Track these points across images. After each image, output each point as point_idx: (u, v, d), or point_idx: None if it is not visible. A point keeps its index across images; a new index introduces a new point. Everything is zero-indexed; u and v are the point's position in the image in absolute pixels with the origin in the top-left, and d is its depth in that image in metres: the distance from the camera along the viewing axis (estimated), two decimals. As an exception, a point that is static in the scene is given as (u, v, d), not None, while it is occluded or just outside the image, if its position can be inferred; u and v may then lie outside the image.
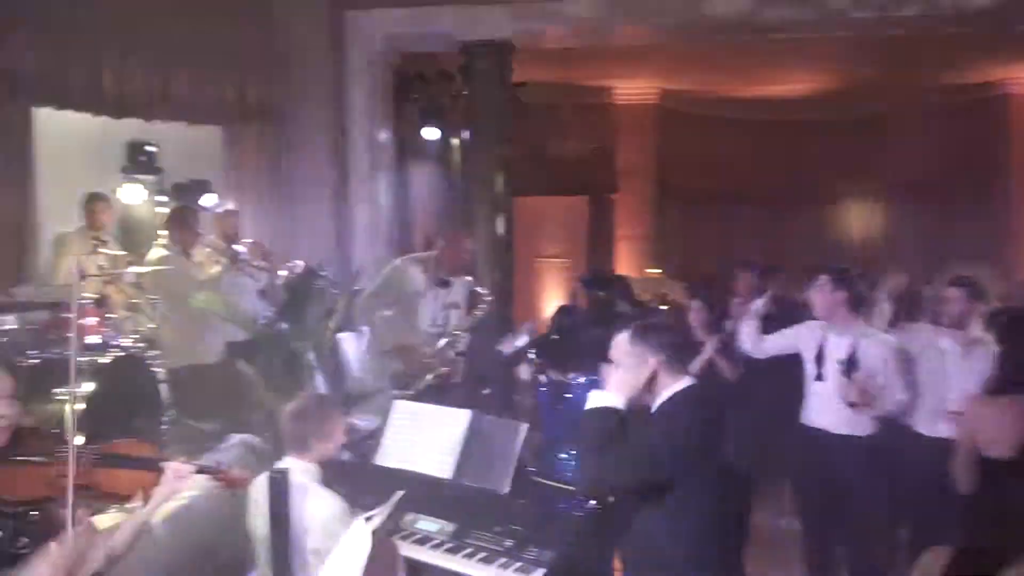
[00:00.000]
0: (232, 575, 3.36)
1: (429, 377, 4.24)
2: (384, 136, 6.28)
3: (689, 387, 2.27)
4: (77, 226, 4.86)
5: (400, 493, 1.64)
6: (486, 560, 2.73)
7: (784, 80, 9.81)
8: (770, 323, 4.03)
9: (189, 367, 4.36)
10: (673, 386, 2.25)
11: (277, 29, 5.83)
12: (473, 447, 3.02)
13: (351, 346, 5.06)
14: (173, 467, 1.88)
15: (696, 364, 4.45)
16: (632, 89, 10.61)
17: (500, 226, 6.18)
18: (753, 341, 3.94)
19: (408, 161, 7.21)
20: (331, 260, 5.39)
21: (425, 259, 4.67)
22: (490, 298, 4.68)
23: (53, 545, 1.69)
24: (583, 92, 9.97)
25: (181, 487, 1.90)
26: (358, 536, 1.45)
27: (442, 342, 4.36)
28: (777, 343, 3.92)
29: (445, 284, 4.57)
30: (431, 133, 7.07)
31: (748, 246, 11.03)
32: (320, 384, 3.92)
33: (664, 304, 7.34)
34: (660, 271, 10.16)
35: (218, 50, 5.59)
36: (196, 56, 5.49)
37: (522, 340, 4.52)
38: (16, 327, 3.08)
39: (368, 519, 1.50)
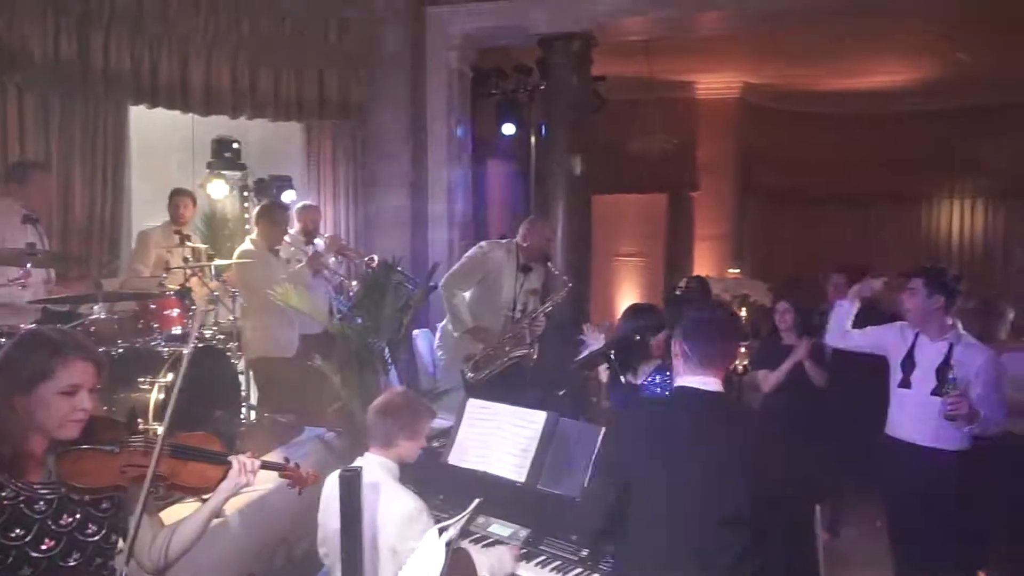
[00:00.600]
0: (306, 569, 3.39)
1: (507, 360, 4.22)
2: (461, 132, 6.24)
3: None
4: (163, 221, 5.01)
5: (477, 501, 1.54)
6: (561, 569, 2.63)
7: (877, 71, 9.25)
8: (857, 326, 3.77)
9: (267, 360, 4.42)
10: None
11: (358, 26, 5.87)
12: (549, 450, 2.91)
13: (425, 342, 5.05)
14: (241, 461, 1.85)
15: (784, 368, 4.24)
16: (714, 83, 10.28)
17: (578, 223, 6.04)
18: (839, 330, 3.67)
19: (485, 157, 7.16)
20: (407, 255, 5.40)
21: (507, 244, 4.64)
22: (570, 285, 4.63)
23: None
24: (664, 87, 9.69)
25: (247, 482, 1.86)
26: (433, 549, 1.36)
27: (522, 325, 4.36)
28: (864, 338, 3.63)
29: (527, 270, 4.56)
30: (508, 129, 6.99)
31: (834, 247, 10.55)
32: (394, 379, 3.91)
33: (745, 306, 7.06)
34: (739, 272, 9.82)
35: (300, 48, 5.68)
36: (279, 54, 5.60)
37: (598, 341, 4.38)
38: (103, 317, 3.16)
39: (442, 530, 1.41)
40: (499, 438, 3.03)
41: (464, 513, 1.44)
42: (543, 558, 2.66)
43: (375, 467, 2.46)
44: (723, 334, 2.17)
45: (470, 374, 4.24)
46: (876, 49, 8.17)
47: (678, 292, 5.55)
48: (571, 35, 5.97)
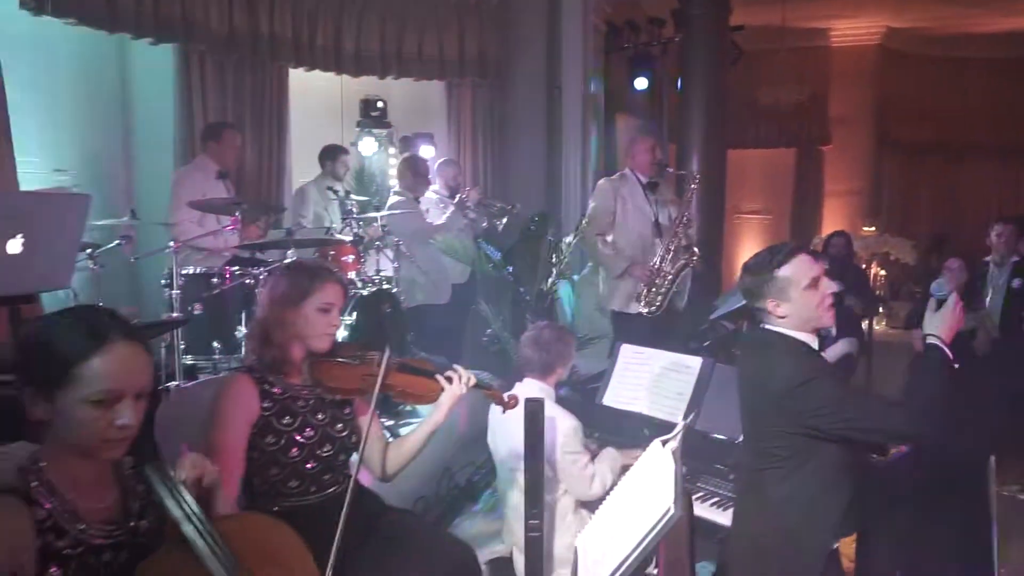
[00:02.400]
0: (467, 494, 3.70)
1: (675, 278, 4.21)
2: (594, 87, 6.29)
3: None
4: (315, 175, 5.38)
5: (692, 416, 1.70)
6: (719, 504, 2.76)
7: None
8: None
9: (423, 307, 4.74)
10: None
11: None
12: (704, 393, 3.02)
13: (563, 293, 5.23)
14: (458, 372, 2.10)
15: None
16: (853, 29, 9.72)
17: (712, 180, 5.99)
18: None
19: (615, 112, 7.17)
20: (543, 209, 5.55)
21: (621, 173, 4.53)
22: (694, 185, 4.47)
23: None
24: (797, 35, 9.28)
25: (463, 392, 2.12)
26: (658, 456, 1.53)
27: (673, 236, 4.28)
28: None
29: (653, 186, 4.43)
30: (641, 83, 6.97)
31: (978, 203, 9.88)
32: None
33: (884, 265, 6.80)
34: (874, 229, 9.40)
35: (443, 9, 5.88)
36: (423, 15, 5.83)
37: (740, 299, 4.39)
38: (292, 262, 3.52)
39: (664, 442, 1.57)
40: (653, 381, 3.15)
41: (679, 428, 1.60)
42: (701, 494, 2.80)
43: (536, 392, 2.68)
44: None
45: (646, 311, 4.21)
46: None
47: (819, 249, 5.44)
48: (710, -16, 5.87)
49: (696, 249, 4.28)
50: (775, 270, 2.05)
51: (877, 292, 6.27)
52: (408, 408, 3.63)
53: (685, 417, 2.94)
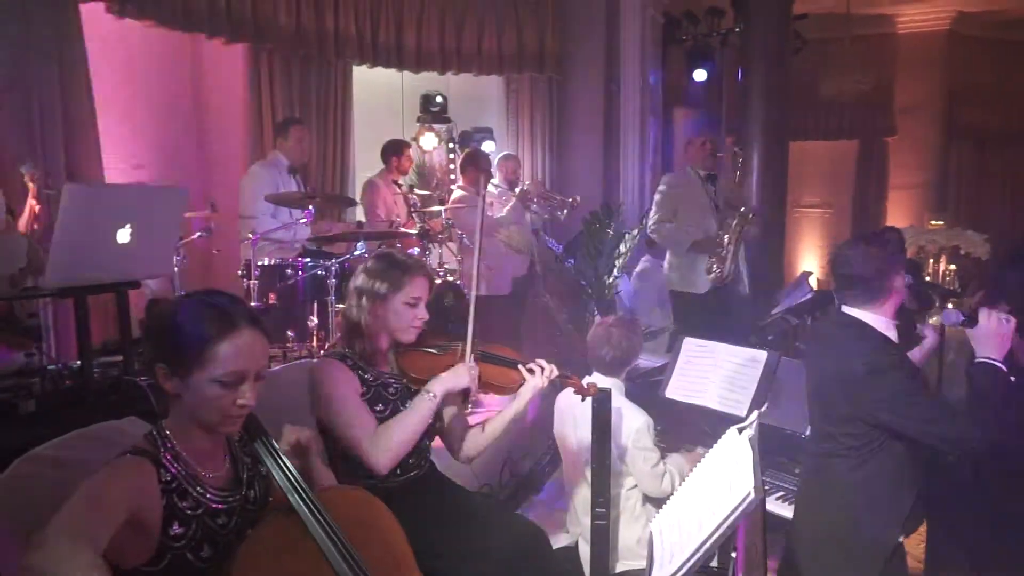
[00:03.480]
0: (529, 483, 3.75)
1: (737, 240, 4.39)
2: (653, 79, 6.26)
3: None
4: (379, 170, 5.49)
5: (764, 407, 1.71)
6: (784, 499, 2.75)
7: None
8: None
9: (485, 298, 4.80)
10: None
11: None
12: (769, 386, 3.00)
13: (631, 284, 5.24)
14: (540, 364, 2.14)
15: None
16: (922, 15, 9.38)
17: (774, 173, 5.90)
18: None
19: (673, 104, 7.12)
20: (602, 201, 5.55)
21: (680, 170, 4.75)
22: (738, 154, 4.81)
23: None
24: (861, 22, 9.01)
25: (544, 384, 2.15)
26: (735, 444, 1.55)
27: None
28: None
29: (712, 179, 4.64)
30: (700, 75, 6.90)
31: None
32: (598, 318, 4.15)
33: (955, 259, 6.57)
34: (943, 223, 9.08)
35: (501, 3, 5.94)
36: (482, 10, 5.89)
37: (804, 292, 4.33)
38: (364, 253, 3.63)
39: (740, 430, 1.59)
40: (717, 374, 3.14)
41: (753, 417, 1.62)
42: (766, 487, 2.80)
43: (606, 385, 2.71)
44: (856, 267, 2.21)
45: (716, 275, 4.41)
46: None
47: None
48: (773, -28, 5.76)
49: (746, 209, 4.45)
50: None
51: (952, 287, 6.05)
52: (473, 397, 3.70)
53: (750, 410, 2.96)
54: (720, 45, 6.91)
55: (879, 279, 2.08)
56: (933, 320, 4.33)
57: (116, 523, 1.17)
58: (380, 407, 2.06)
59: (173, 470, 1.33)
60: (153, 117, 5.20)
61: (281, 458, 1.38)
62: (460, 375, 2.05)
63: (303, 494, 1.33)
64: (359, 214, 5.42)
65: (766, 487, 2.77)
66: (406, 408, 2.07)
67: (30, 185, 2.42)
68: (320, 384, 2.01)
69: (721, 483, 1.52)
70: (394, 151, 5.35)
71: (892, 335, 2.12)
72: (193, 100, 5.61)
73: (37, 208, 2.36)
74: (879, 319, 2.11)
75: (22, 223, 2.43)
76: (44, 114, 3.67)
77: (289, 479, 1.34)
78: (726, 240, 4.37)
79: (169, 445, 1.35)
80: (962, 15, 9.35)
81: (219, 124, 5.56)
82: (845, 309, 2.17)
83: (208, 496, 1.36)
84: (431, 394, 2.01)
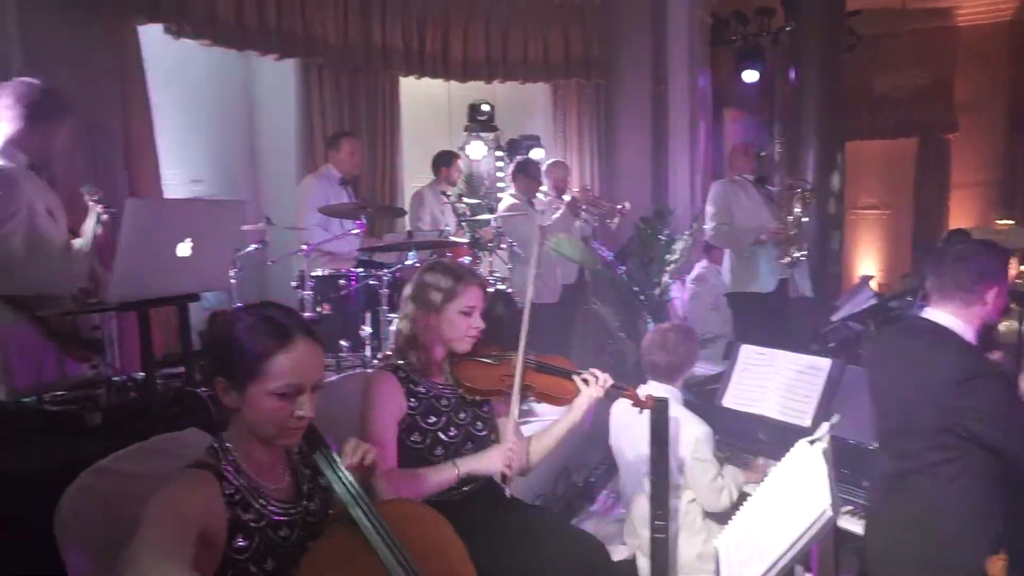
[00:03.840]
0: (585, 495, 3.70)
1: (799, 223, 4.34)
2: (702, 82, 6.15)
3: None
4: (429, 180, 5.53)
5: (836, 418, 1.64)
6: (852, 513, 2.63)
7: None
8: None
9: (534, 306, 4.76)
10: None
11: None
12: (833, 395, 2.89)
13: (686, 290, 5.15)
14: (594, 374, 2.09)
15: None
16: (982, 6, 9.02)
17: (830, 174, 5.74)
18: None
19: (722, 105, 6.99)
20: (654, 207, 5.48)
21: (730, 177, 4.64)
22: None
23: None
24: (917, 16, 8.72)
25: (599, 394, 2.10)
26: (807, 457, 1.48)
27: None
28: None
29: (763, 181, 4.59)
30: (750, 75, 6.76)
31: None
32: (651, 326, 4.07)
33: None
34: (1012, 222, 8.69)
35: (546, 10, 5.92)
36: (527, 18, 5.88)
37: (866, 298, 4.18)
38: (415, 263, 3.64)
39: (811, 443, 1.52)
40: (777, 383, 3.04)
41: (825, 428, 1.54)
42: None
43: (660, 394, 2.64)
44: (954, 266, 2.06)
45: (787, 260, 4.36)
46: None
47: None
48: (825, -32, 5.62)
49: (796, 184, 4.41)
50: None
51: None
52: (525, 407, 3.67)
53: (815, 420, 2.85)
54: (771, 44, 6.77)
55: (980, 285, 1.97)
56: (1005, 326, 4.11)
57: (192, 538, 1.18)
58: (432, 419, 2.04)
59: (236, 483, 1.33)
60: (208, 133, 5.34)
61: (341, 470, 1.37)
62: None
63: (364, 507, 1.31)
64: (409, 224, 5.47)
65: (833, 500, 2.70)
66: (460, 419, 2.06)
67: (91, 205, 2.49)
68: (365, 395, 2.01)
69: (793, 499, 1.45)
70: (444, 162, 5.40)
71: (974, 343, 2.01)
72: (246, 115, 5.74)
73: (99, 231, 2.43)
74: (966, 327, 2.00)
75: (82, 242, 2.50)
76: (105, 134, 3.79)
77: (350, 491, 1.33)
78: (791, 220, 4.33)
79: (231, 458, 1.35)
80: (1025, 4, 8.98)
81: (271, 138, 5.67)
82: (929, 313, 2.06)
83: (270, 508, 1.36)
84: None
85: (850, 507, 2.65)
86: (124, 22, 3.96)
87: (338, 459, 1.39)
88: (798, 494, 1.45)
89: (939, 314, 2.03)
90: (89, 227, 2.43)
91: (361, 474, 1.40)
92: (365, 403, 2.00)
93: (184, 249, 1.86)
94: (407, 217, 5.32)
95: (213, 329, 1.33)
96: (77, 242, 2.44)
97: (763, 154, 4.75)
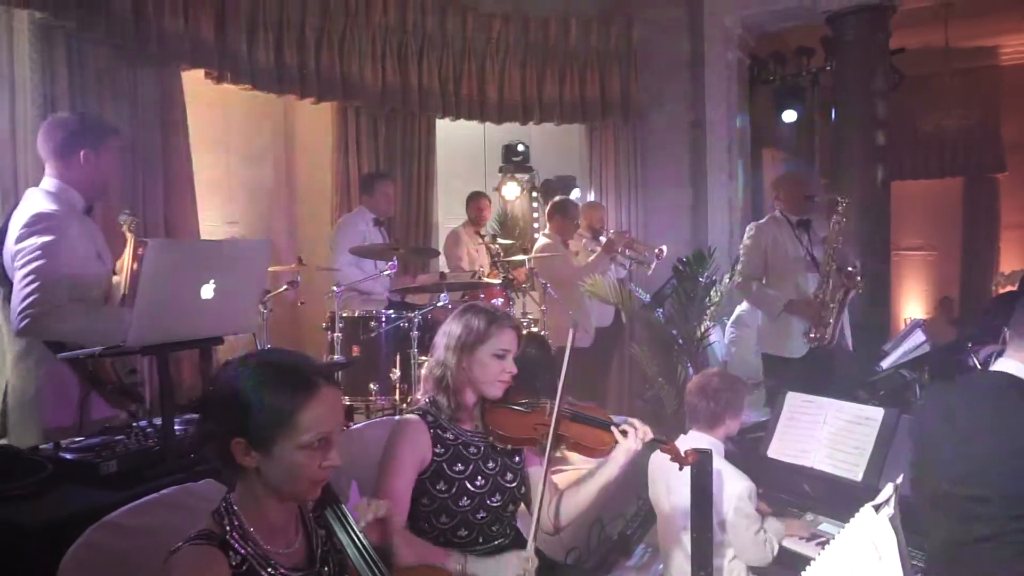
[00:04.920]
0: (619, 548, 3.52)
1: (839, 305, 3.85)
2: (740, 122, 6.06)
3: None
4: (463, 221, 5.52)
5: (901, 478, 1.48)
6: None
7: None
8: None
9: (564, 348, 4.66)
10: None
11: (639, 25, 5.97)
12: (888, 447, 2.72)
13: (722, 336, 4.99)
14: (636, 425, 1.98)
15: None
16: (1028, 44, 8.86)
17: (874, 217, 5.53)
18: None
19: (762, 146, 6.89)
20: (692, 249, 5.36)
21: (770, 216, 4.24)
22: (845, 201, 4.05)
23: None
24: (961, 55, 8.57)
25: (638, 447, 1.98)
26: (872, 524, 1.34)
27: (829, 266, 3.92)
28: None
29: (804, 224, 4.09)
30: (789, 116, 6.66)
31: None
32: (690, 371, 3.92)
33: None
34: (1066, 264, 8.36)
35: (582, 51, 5.92)
36: (563, 60, 5.90)
37: (917, 343, 3.96)
38: (447, 304, 3.58)
39: (877, 508, 1.38)
40: (826, 433, 2.90)
41: (890, 490, 1.40)
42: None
43: (703, 446, 2.50)
44: None
45: (814, 341, 3.90)
46: None
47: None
48: (865, 6, 5.51)
49: (853, 269, 3.87)
50: None
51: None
52: (559, 454, 3.55)
53: (868, 473, 2.68)
54: (811, 84, 6.67)
55: None
56: None
57: None
58: (460, 467, 1.95)
59: (243, 551, 1.23)
60: (246, 174, 5.41)
61: (354, 530, 1.27)
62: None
63: (377, 573, 1.21)
64: (443, 265, 5.45)
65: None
66: (488, 468, 1.97)
67: (128, 235, 2.44)
68: (389, 440, 1.94)
69: (858, 573, 1.30)
70: (472, 200, 5.39)
71: None
72: (284, 157, 5.82)
73: (135, 266, 2.37)
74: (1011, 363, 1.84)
75: (120, 279, 2.46)
76: (146, 174, 3.85)
77: (364, 556, 1.23)
78: (829, 306, 3.86)
79: (236, 523, 1.25)
80: (1074, 42, 8.78)
81: (308, 179, 5.73)
82: (1002, 366, 1.90)
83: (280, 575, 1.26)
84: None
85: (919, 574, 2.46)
86: (168, 66, 4.05)
87: (351, 518, 1.29)
88: (865, 570, 1.30)
89: (1019, 366, 1.87)
90: (126, 262, 2.39)
91: (377, 535, 1.30)
92: (387, 449, 1.92)
93: (207, 291, 1.81)
94: (441, 258, 5.31)
95: (220, 386, 1.23)
96: (115, 280, 2.41)
97: (816, 199, 4.11)
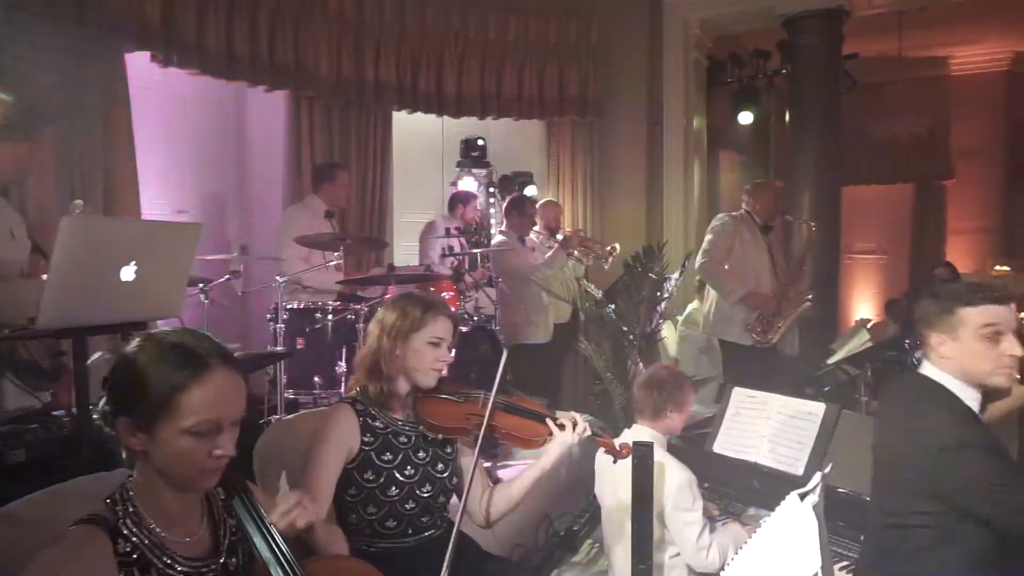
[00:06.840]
0: (567, 544, 3.50)
1: (794, 315, 4.22)
2: (697, 123, 6.11)
3: None
4: (445, 214, 5.44)
5: (829, 468, 1.49)
6: (850, 569, 2.47)
7: None
8: None
9: (522, 345, 4.64)
10: None
11: (596, 22, 5.98)
12: (828, 442, 2.75)
13: (673, 331, 5.02)
14: (575, 419, 1.96)
15: None
16: (977, 56, 9.13)
17: (825, 218, 5.62)
18: None
19: (718, 147, 6.95)
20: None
21: (739, 215, 4.54)
22: (815, 226, 4.62)
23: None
24: (913, 65, 8.79)
25: (575, 441, 1.96)
26: (796, 512, 1.34)
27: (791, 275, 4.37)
28: None
29: (767, 230, 4.46)
30: (745, 117, 6.73)
31: None
32: (640, 367, 3.93)
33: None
34: (1008, 269, 8.62)
35: (541, 47, 5.90)
36: (522, 55, 5.87)
37: (861, 341, 4.05)
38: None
39: (802, 496, 1.38)
40: (769, 428, 2.92)
41: (817, 481, 1.40)
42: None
43: (644, 438, 2.50)
44: None
45: (757, 338, 4.21)
46: None
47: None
48: (820, 11, 5.60)
49: (804, 292, 4.29)
50: (960, 307, 1.82)
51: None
52: (497, 450, 3.52)
53: (808, 469, 2.70)
54: (767, 87, 6.76)
55: None
56: None
57: None
58: (388, 456, 1.91)
59: (134, 539, 1.16)
60: (196, 163, 5.26)
61: (262, 520, 1.21)
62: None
63: (285, 566, 1.15)
64: (396, 257, 5.38)
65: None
66: (419, 458, 1.93)
67: None
68: (318, 425, 1.90)
69: (781, 559, 1.30)
70: (462, 201, 5.38)
71: (975, 403, 1.86)
72: (235, 146, 5.68)
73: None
74: (966, 388, 1.85)
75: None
76: (84, 155, 3.70)
77: (271, 546, 1.17)
78: (785, 317, 4.22)
79: (131, 510, 1.18)
80: (1020, 55, 9.07)
81: (260, 170, 5.60)
82: (927, 370, 1.92)
83: (177, 568, 1.19)
84: None
85: (845, 563, 2.49)
86: (111, 47, 3.90)
87: (260, 507, 1.23)
88: (787, 554, 1.30)
89: (938, 372, 1.89)
90: None
91: (292, 526, 1.25)
92: (315, 438, 1.87)
93: (128, 273, 1.73)
94: (392, 249, 5.23)
95: (117, 362, 1.16)
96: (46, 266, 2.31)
97: (788, 218, 4.75)
